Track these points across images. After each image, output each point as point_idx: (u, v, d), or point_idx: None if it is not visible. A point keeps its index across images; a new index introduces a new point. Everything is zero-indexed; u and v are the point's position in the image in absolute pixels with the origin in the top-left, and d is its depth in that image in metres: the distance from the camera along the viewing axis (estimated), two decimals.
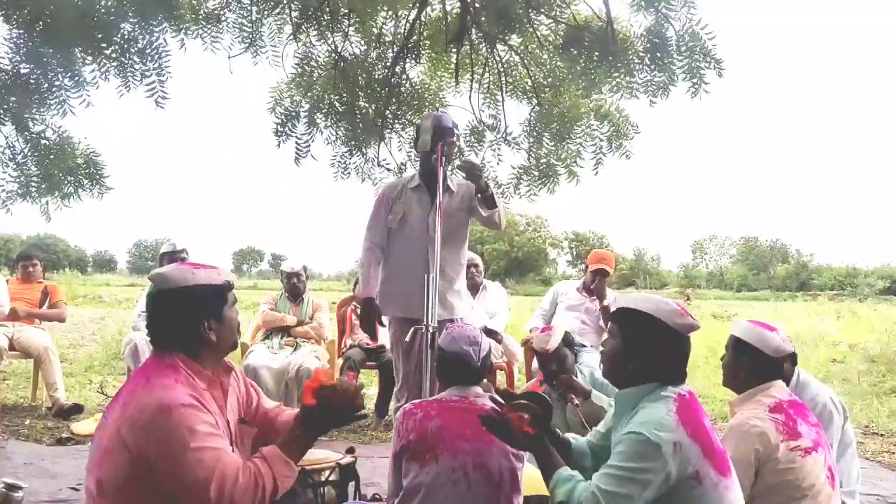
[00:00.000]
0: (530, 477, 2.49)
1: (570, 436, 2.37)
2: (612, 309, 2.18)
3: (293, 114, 4.58)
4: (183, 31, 4.15)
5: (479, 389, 2.50)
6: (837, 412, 2.92)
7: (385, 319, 3.76)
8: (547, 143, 4.72)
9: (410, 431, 2.38)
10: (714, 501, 1.91)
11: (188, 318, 1.98)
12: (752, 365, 2.55)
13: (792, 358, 2.80)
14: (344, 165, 4.85)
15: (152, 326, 2.04)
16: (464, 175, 3.57)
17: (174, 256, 5.16)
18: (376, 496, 3.13)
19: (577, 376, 3.56)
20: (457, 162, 4.08)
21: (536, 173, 4.68)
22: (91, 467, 1.90)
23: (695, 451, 1.90)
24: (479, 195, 3.47)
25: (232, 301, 2.07)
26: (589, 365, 3.98)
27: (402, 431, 2.40)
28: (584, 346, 4.91)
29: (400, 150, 5.31)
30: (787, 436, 2.35)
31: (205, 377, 1.98)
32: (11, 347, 5.32)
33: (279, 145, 4.55)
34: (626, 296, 2.20)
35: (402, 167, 5.32)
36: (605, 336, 2.16)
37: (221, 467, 1.82)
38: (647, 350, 2.05)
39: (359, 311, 3.53)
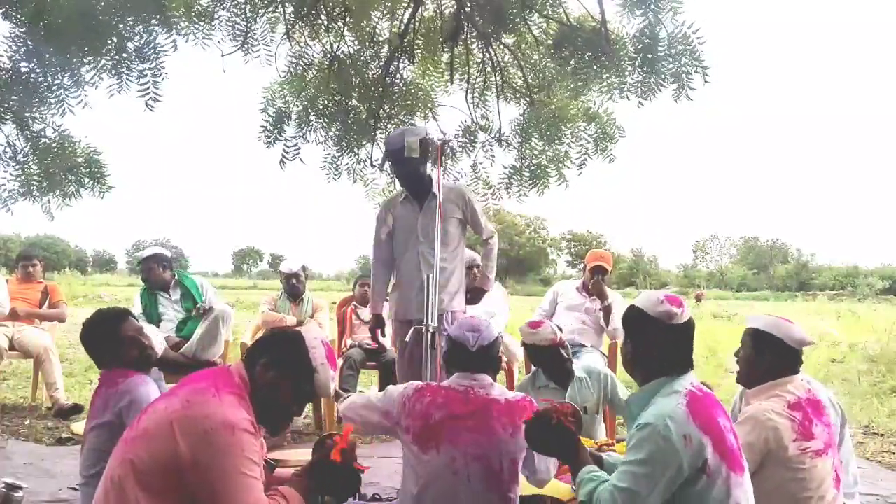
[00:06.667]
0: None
1: (605, 454, 2.38)
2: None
3: (285, 114, 4.57)
4: (182, 29, 4.14)
5: (485, 378, 2.51)
6: (836, 413, 2.91)
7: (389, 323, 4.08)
8: (536, 144, 4.71)
9: (416, 415, 2.42)
10: (722, 495, 1.92)
11: (286, 368, 2.08)
12: (774, 358, 2.50)
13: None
14: (335, 166, 4.84)
15: (262, 348, 2.13)
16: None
17: (148, 262, 5.10)
18: (376, 496, 3.14)
19: (571, 375, 3.60)
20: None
21: (527, 174, 4.67)
22: (124, 440, 2.00)
23: (706, 444, 1.90)
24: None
25: (309, 392, 2.15)
26: (591, 364, 3.98)
27: (408, 408, 2.44)
28: (584, 346, 4.91)
29: None
30: (801, 436, 2.36)
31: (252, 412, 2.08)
32: (11, 347, 5.33)
33: (268, 146, 4.55)
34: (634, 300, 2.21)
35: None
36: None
37: (259, 497, 1.93)
38: (645, 344, 2.08)
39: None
